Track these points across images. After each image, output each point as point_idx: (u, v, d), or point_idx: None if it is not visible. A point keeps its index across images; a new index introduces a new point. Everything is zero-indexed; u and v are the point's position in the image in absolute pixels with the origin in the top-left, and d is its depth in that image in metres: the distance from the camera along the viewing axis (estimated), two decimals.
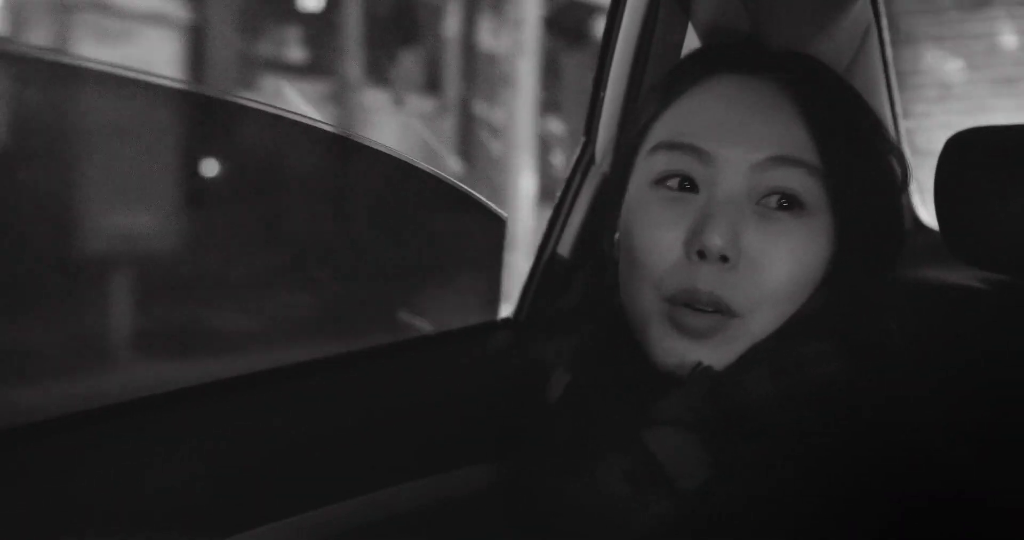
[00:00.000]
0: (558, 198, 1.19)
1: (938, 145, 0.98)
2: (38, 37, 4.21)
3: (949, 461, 0.67)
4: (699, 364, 0.72)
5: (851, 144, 0.75)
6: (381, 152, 1.15)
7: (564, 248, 1.18)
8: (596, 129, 1.16)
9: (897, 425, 0.70)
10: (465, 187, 1.21)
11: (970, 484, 0.66)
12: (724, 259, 0.71)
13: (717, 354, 0.73)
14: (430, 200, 1.23)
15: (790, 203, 0.72)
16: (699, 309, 0.72)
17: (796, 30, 1.05)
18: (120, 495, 0.80)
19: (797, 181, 0.72)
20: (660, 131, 0.77)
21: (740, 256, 0.71)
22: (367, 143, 1.13)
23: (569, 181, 1.18)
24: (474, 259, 1.21)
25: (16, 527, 0.74)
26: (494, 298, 1.17)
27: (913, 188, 1.30)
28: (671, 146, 0.75)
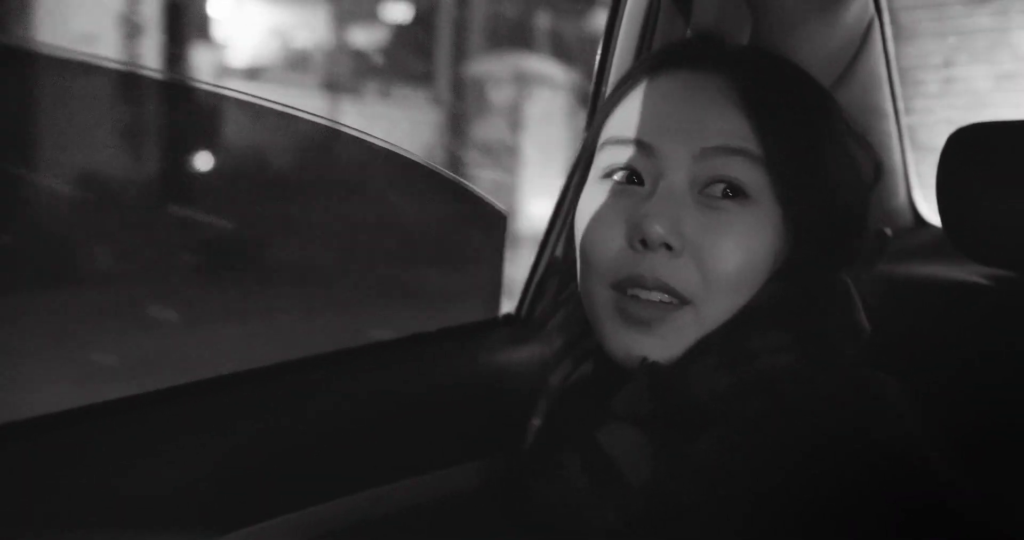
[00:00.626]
0: (559, 195, 1.19)
1: (940, 141, 0.98)
2: (502, 98, 6.48)
3: (927, 460, 0.67)
4: (644, 359, 0.73)
5: (798, 134, 0.75)
6: (384, 149, 1.15)
7: (565, 245, 1.18)
8: None
9: (865, 420, 0.69)
10: (467, 183, 1.21)
11: (950, 485, 0.66)
12: (668, 247, 0.72)
13: (666, 345, 0.73)
14: (432, 196, 1.23)
15: (734, 192, 0.73)
16: (646, 299, 0.73)
17: (798, 26, 1.05)
18: (119, 491, 0.80)
19: (739, 170, 0.73)
20: (609, 128, 0.79)
21: (684, 244, 0.72)
22: (370, 140, 1.13)
23: (570, 178, 1.18)
24: (475, 255, 1.21)
25: (16, 522, 0.75)
26: (495, 294, 1.17)
27: (915, 184, 1.30)
28: (617, 141, 0.77)
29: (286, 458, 0.90)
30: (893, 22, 1.23)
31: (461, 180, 1.22)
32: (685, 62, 0.78)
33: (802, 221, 0.74)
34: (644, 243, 0.72)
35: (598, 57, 1.17)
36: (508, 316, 1.16)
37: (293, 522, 0.87)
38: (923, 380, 0.90)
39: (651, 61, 0.81)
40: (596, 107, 1.17)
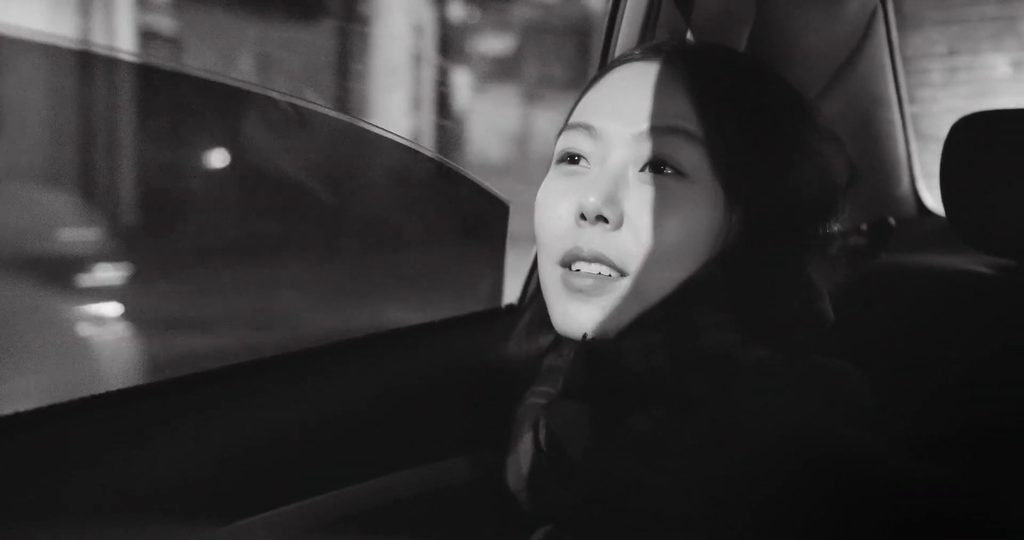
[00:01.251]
0: None
1: (944, 130, 0.98)
2: None
3: (879, 449, 0.67)
4: (584, 334, 0.75)
5: (744, 120, 0.77)
6: (388, 139, 1.15)
7: None
8: None
9: (815, 408, 0.70)
10: (469, 173, 1.21)
11: (898, 472, 0.66)
12: (604, 220, 0.74)
13: (605, 316, 0.75)
14: (434, 186, 1.23)
15: (673, 171, 0.75)
16: (586, 271, 0.75)
17: (802, 15, 1.05)
18: (121, 482, 0.80)
19: (677, 148, 0.75)
20: (571, 117, 0.83)
21: (622, 218, 0.75)
22: (375, 130, 1.13)
23: None
24: (478, 245, 1.21)
25: (19, 513, 0.75)
26: (497, 285, 1.17)
27: (918, 173, 1.30)
28: (570, 127, 0.81)
29: (294, 448, 0.90)
30: (897, 10, 1.23)
31: (464, 170, 1.22)
32: (642, 56, 0.81)
33: (744, 204, 0.76)
34: (583, 217, 0.75)
35: (600, 54, 1.17)
36: (511, 306, 1.17)
37: (298, 513, 0.87)
38: (926, 368, 0.90)
39: (617, 58, 0.85)
40: None
